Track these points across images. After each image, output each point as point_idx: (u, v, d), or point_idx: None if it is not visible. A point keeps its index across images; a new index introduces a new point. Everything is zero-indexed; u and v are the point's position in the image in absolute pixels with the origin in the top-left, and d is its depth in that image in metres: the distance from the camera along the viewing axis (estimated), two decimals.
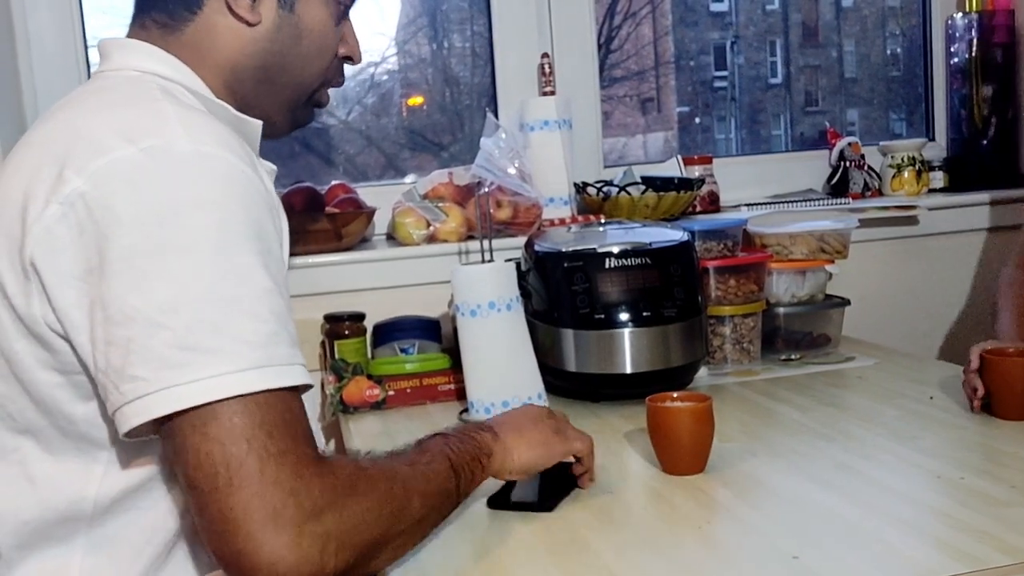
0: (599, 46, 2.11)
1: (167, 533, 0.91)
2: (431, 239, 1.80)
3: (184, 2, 0.98)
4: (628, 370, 1.44)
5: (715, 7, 2.47)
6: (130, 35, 1.00)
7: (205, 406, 0.76)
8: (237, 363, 0.77)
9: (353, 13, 1.09)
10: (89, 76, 1.85)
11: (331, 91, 1.12)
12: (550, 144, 1.87)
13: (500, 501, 1.09)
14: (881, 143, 2.19)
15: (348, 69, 1.14)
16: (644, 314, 1.44)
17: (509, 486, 1.11)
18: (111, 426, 0.85)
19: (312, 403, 1.72)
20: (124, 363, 0.77)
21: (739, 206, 2.02)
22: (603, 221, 1.77)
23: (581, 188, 1.91)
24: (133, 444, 0.86)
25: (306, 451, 0.79)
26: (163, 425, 0.78)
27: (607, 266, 1.45)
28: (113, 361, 0.78)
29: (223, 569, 0.77)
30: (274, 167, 1.09)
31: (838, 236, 1.73)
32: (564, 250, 1.48)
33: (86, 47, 1.86)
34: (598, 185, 1.91)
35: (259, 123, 1.02)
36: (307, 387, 0.84)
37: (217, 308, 0.78)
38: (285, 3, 0.99)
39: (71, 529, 0.89)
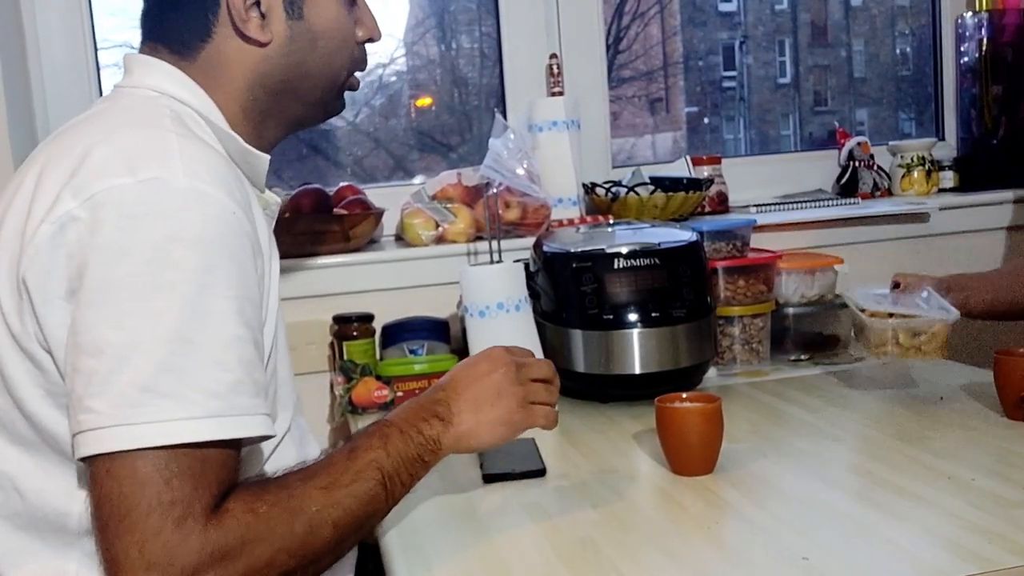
0: (607, 46, 2.11)
1: None
2: (439, 240, 1.80)
3: (195, 31, 0.97)
4: (637, 371, 1.43)
5: (724, 7, 2.47)
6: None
7: (137, 449, 0.77)
8: (191, 410, 0.78)
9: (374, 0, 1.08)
10: (99, 80, 1.87)
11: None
12: (558, 145, 1.87)
13: (497, 475, 1.13)
14: (890, 143, 2.18)
15: None
16: (653, 315, 1.43)
17: (494, 458, 1.16)
18: None
19: (321, 404, 1.73)
20: (84, 393, 0.78)
21: (748, 206, 2.02)
22: (612, 222, 1.77)
23: (590, 189, 1.91)
24: None
25: (200, 503, 0.78)
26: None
27: (616, 267, 1.45)
28: (76, 389, 0.79)
29: None
30: (279, 200, 1.09)
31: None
32: (573, 251, 1.48)
33: (95, 49, 1.87)
34: (606, 186, 1.91)
35: (267, 157, 1.02)
36: (266, 437, 0.85)
37: (184, 353, 0.79)
38: (293, 12, 0.98)
39: (64, 540, 0.89)
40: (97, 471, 0.78)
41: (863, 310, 1.40)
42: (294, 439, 1.04)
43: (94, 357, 0.78)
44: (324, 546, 0.85)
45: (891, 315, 1.36)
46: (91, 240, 0.80)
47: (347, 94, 1.10)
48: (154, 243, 0.79)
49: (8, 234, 0.85)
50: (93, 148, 0.84)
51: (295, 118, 1.06)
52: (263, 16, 0.97)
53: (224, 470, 0.81)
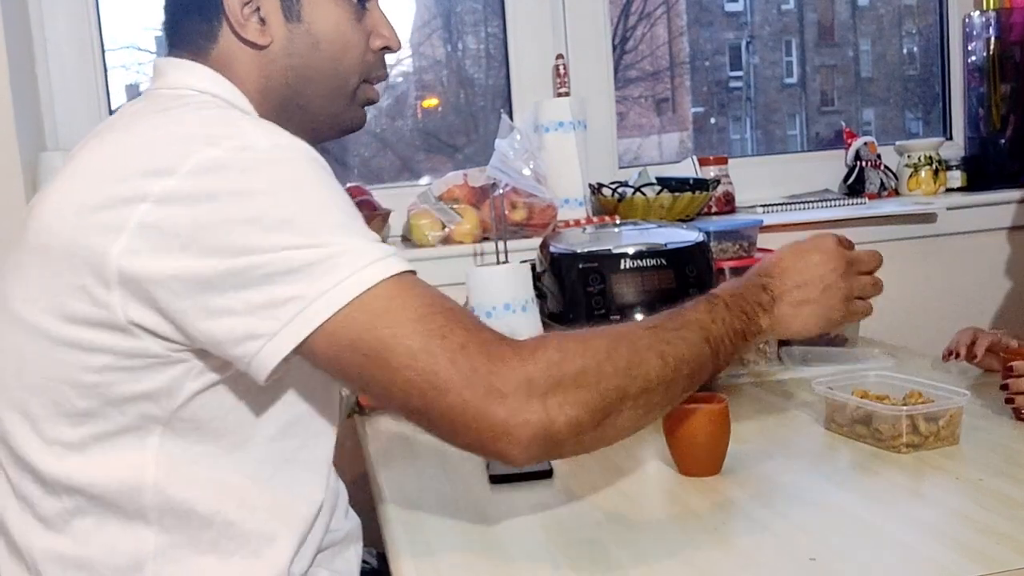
0: (614, 47, 2.11)
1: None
2: (446, 241, 1.80)
3: (200, 35, 0.99)
4: None
5: (730, 7, 2.47)
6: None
7: (366, 306, 0.81)
8: (372, 255, 0.82)
9: (381, 3, 1.07)
10: (106, 81, 1.88)
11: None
12: (565, 145, 1.87)
13: (503, 476, 1.13)
14: (898, 142, 2.18)
15: None
16: None
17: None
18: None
19: None
20: (270, 295, 0.81)
21: (755, 207, 2.02)
22: (618, 222, 1.77)
23: (596, 189, 1.91)
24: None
25: (483, 335, 0.83)
26: (318, 345, 0.81)
27: (622, 267, 1.45)
28: (254, 299, 0.81)
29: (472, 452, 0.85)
30: None
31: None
32: (579, 251, 1.48)
33: (103, 51, 1.88)
34: (613, 186, 1.91)
35: None
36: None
37: (338, 230, 0.83)
38: (291, 15, 0.99)
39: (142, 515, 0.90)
40: (347, 357, 0.81)
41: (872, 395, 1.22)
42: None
43: (261, 268, 0.80)
44: (654, 375, 0.88)
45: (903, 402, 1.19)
46: (200, 207, 0.81)
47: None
48: (263, 189, 0.82)
49: (70, 228, 0.85)
50: (164, 135, 0.86)
51: (308, 127, 1.04)
52: (262, 21, 0.98)
53: (464, 310, 0.87)
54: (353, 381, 0.86)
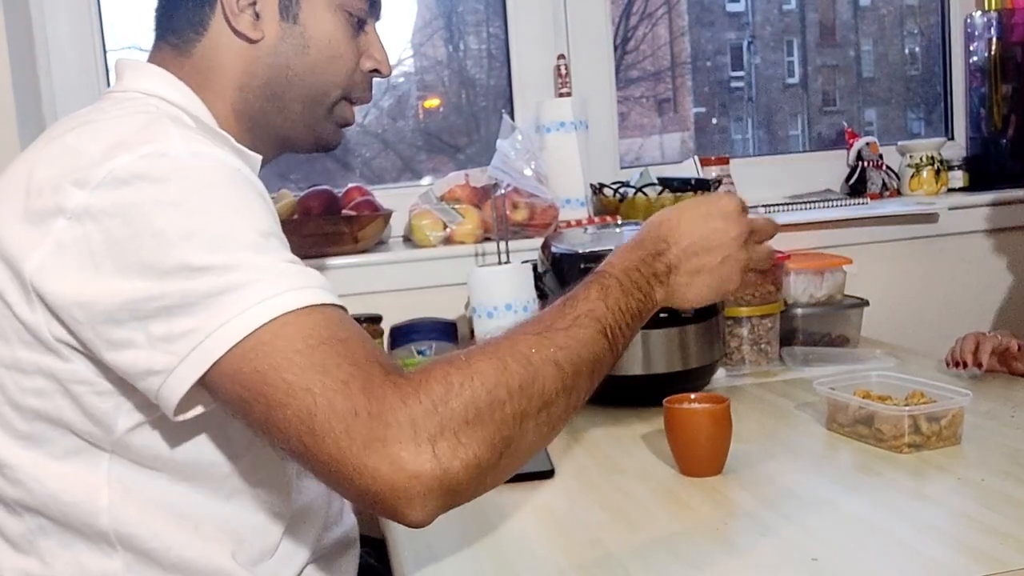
0: (615, 47, 2.11)
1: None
2: (447, 241, 1.80)
3: (191, 23, 0.98)
4: (645, 371, 1.43)
5: (731, 7, 2.46)
6: (149, 59, 1.01)
7: (256, 339, 0.74)
8: (280, 285, 0.77)
9: (378, 26, 1.07)
10: (108, 83, 1.88)
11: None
12: (566, 145, 1.87)
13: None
14: (899, 143, 2.18)
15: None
16: (661, 315, 1.41)
17: None
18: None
19: None
20: (168, 328, 0.77)
21: (756, 207, 2.01)
22: (620, 222, 1.77)
23: (597, 189, 1.91)
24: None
25: (370, 371, 0.74)
26: (215, 381, 0.76)
27: None
28: (154, 331, 0.77)
29: (359, 506, 0.76)
30: None
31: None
32: (581, 251, 1.48)
33: (104, 52, 1.88)
34: (614, 186, 1.90)
35: (258, 157, 1.01)
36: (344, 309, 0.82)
37: (245, 250, 0.78)
38: (287, 15, 0.99)
39: (102, 536, 0.89)
40: (234, 393, 0.75)
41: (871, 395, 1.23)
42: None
43: (160, 300, 0.77)
44: (551, 385, 0.80)
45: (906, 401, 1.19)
46: (109, 221, 0.79)
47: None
48: (172, 198, 0.79)
49: (3, 234, 0.84)
50: (84, 143, 0.84)
51: (282, 134, 1.04)
52: (257, 16, 0.98)
53: (358, 333, 0.78)
54: (244, 420, 0.78)
